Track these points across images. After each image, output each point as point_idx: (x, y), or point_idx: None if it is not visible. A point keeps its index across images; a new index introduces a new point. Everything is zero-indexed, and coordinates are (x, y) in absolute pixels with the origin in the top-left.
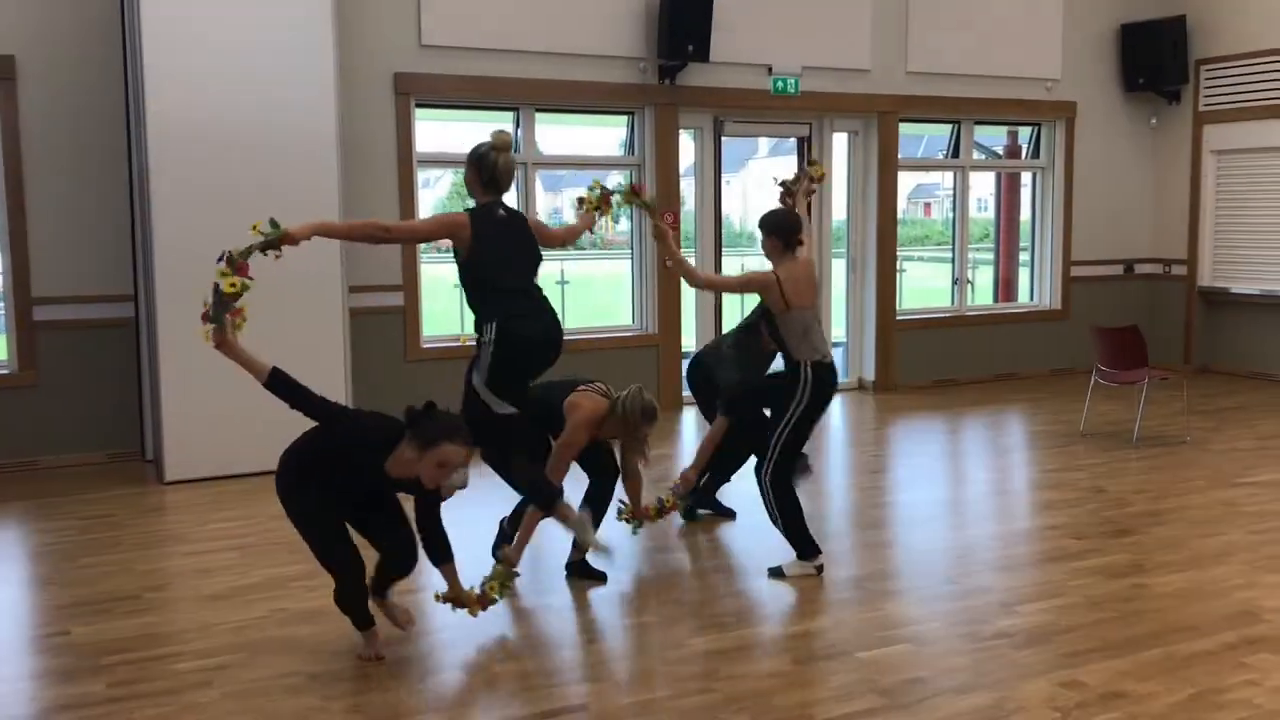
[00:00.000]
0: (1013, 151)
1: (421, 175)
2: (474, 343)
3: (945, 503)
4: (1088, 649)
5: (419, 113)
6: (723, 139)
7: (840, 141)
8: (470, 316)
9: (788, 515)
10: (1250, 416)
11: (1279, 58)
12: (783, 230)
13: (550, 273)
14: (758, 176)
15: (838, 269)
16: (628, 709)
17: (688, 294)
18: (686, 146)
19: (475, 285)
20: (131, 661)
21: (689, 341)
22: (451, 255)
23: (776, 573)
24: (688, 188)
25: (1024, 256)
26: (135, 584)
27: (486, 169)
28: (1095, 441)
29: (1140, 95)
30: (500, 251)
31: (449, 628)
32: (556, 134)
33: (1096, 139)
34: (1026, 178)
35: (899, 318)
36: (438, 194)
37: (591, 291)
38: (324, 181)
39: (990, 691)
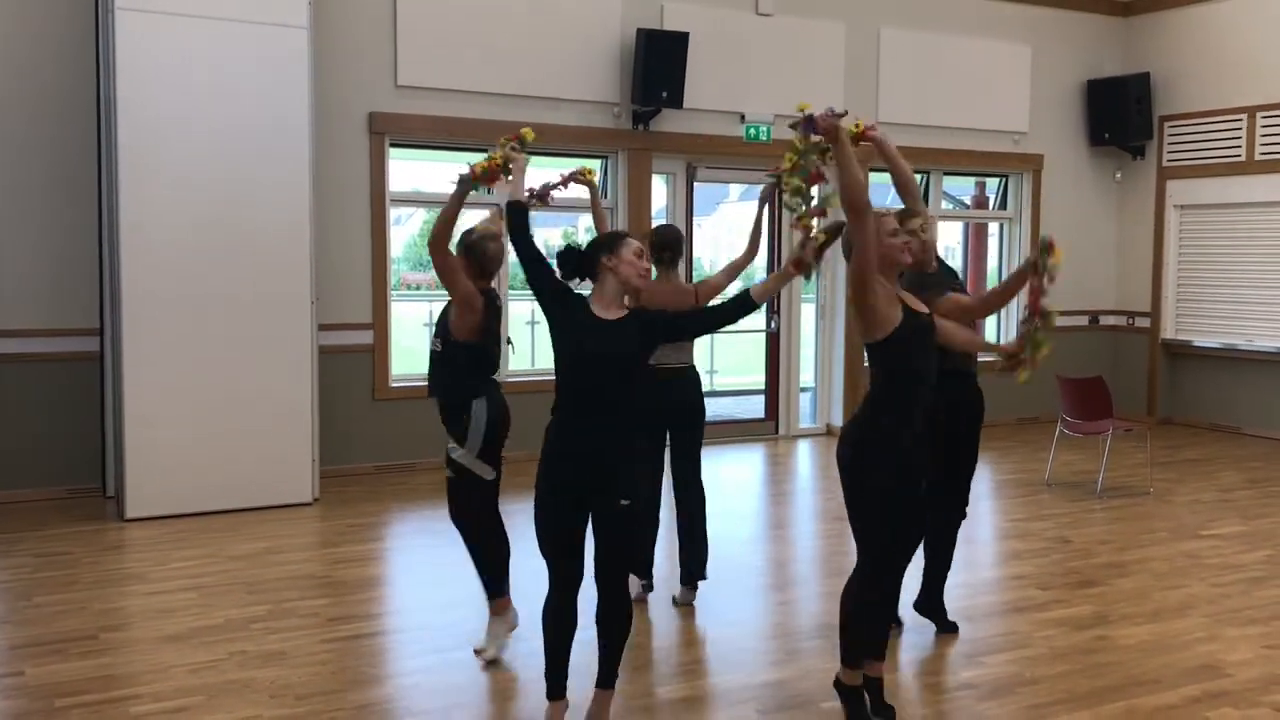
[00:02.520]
0: (980, 202)
1: (393, 213)
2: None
3: None
4: (1052, 701)
5: (392, 152)
6: (695, 184)
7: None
8: None
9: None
10: (1212, 468)
11: (1241, 115)
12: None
13: (520, 314)
14: (729, 220)
15: (807, 314)
16: None
17: None
18: (659, 190)
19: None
20: (86, 704)
21: None
22: (418, 291)
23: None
24: None
25: None
26: (92, 624)
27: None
28: (1060, 491)
29: (1105, 150)
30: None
31: (414, 672)
32: (531, 174)
33: (1062, 192)
34: (994, 228)
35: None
36: (409, 230)
37: None
38: (296, 218)
39: None
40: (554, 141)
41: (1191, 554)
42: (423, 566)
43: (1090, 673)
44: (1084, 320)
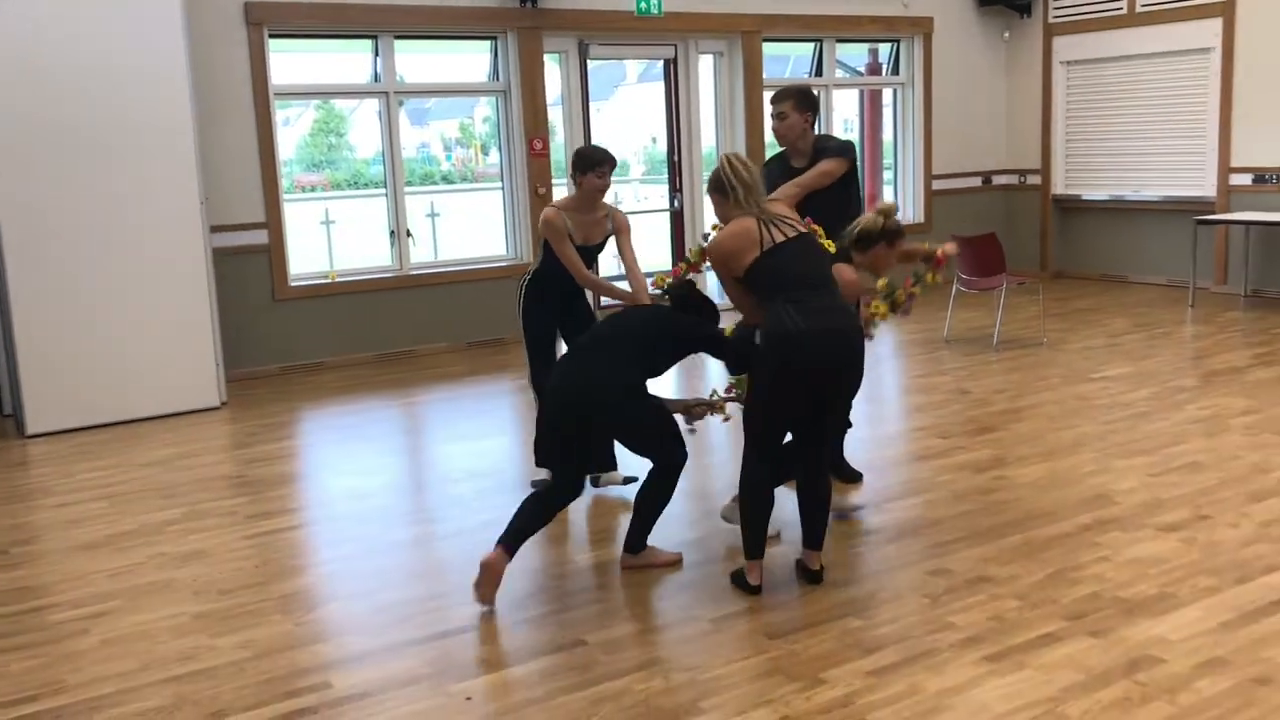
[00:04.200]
0: (874, 69)
1: (282, 114)
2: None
3: None
4: (954, 539)
5: (273, 44)
6: (589, 63)
7: (706, 63)
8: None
9: None
10: (1102, 316)
11: None
12: None
13: (419, 207)
14: (625, 103)
15: None
16: (515, 624)
17: None
18: (554, 75)
19: None
20: (3, 616)
21: None
22: (313, 193)
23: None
24: (557, 117)
25: (888, 175)
26: (2, 539)
27: None
28: (958, 347)
29: (993, 9)
30: None
31: (337, 559)
32: (420, 62)
33: (953, 54)
34: (888, 96)
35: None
36: (299, 132)
37: (459, 224)
38: (176, 121)
39: (864, 584)
40: (439, 23)
41: (1082, 396)
42: (336, 459)
43: (989, 511)
44: (978, 180)
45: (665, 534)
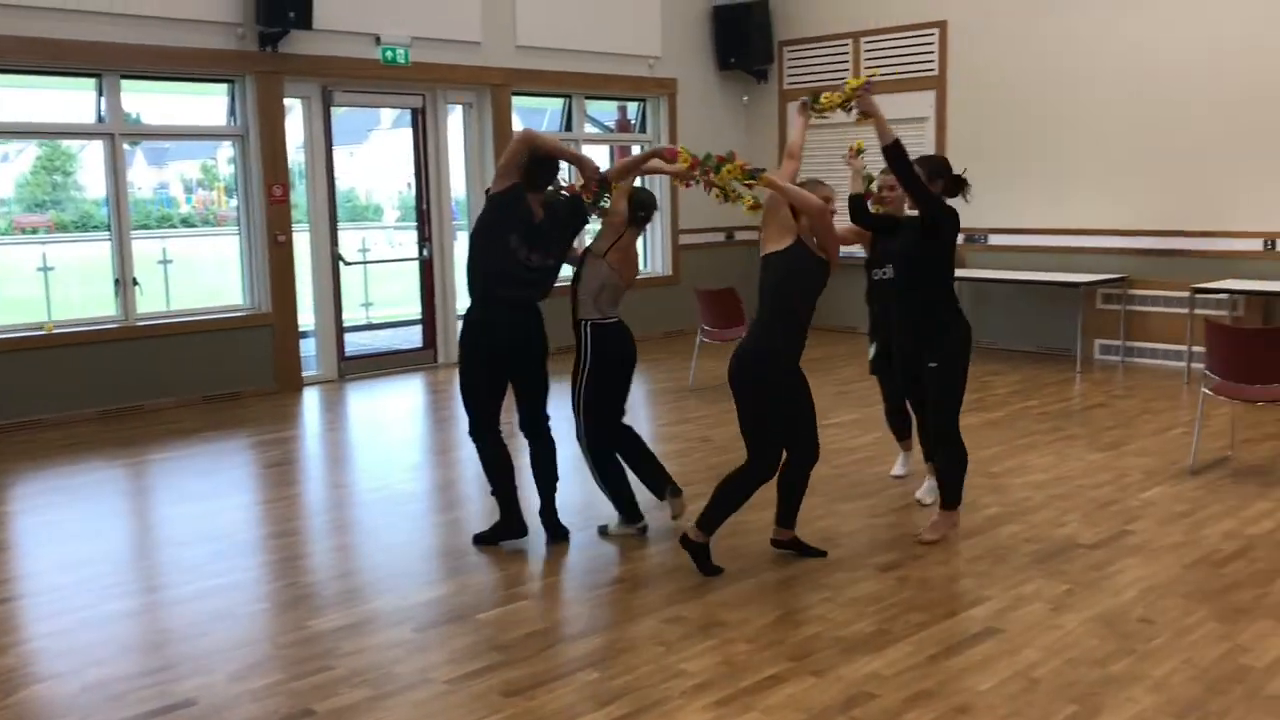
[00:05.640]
0: (623, 125)
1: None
2: None
3: (563, 458)
4: (691, 586)
5: None
6: (334, 110)
7: (455, 114)
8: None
9: (609, 480)
10: (835, 365)
11: (847, 40)
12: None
13: (151, 252)
14: (380, 148)
15: (459, 241)
16: (241, 697)
17: (303, 269)
18: (298, 120)
19: None
20: None
21: (306, 318)
22: (34, 235)
23: (602, 531)
24: (303, 160)
25: None
26: None
27: None
28: (703, 395)
29: (733, 74)
30: None
31: (43, 636)
32: (155, 103)
33: (696, 114)
34: (636, 151)
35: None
36: (19, 169)
37: (196, 271)
38: None
39: (602, 635)
40: (170, 64)
41: None
42: (48, 526)
43: (725, 556)
44: (721, 236)
45: (400, 597)
